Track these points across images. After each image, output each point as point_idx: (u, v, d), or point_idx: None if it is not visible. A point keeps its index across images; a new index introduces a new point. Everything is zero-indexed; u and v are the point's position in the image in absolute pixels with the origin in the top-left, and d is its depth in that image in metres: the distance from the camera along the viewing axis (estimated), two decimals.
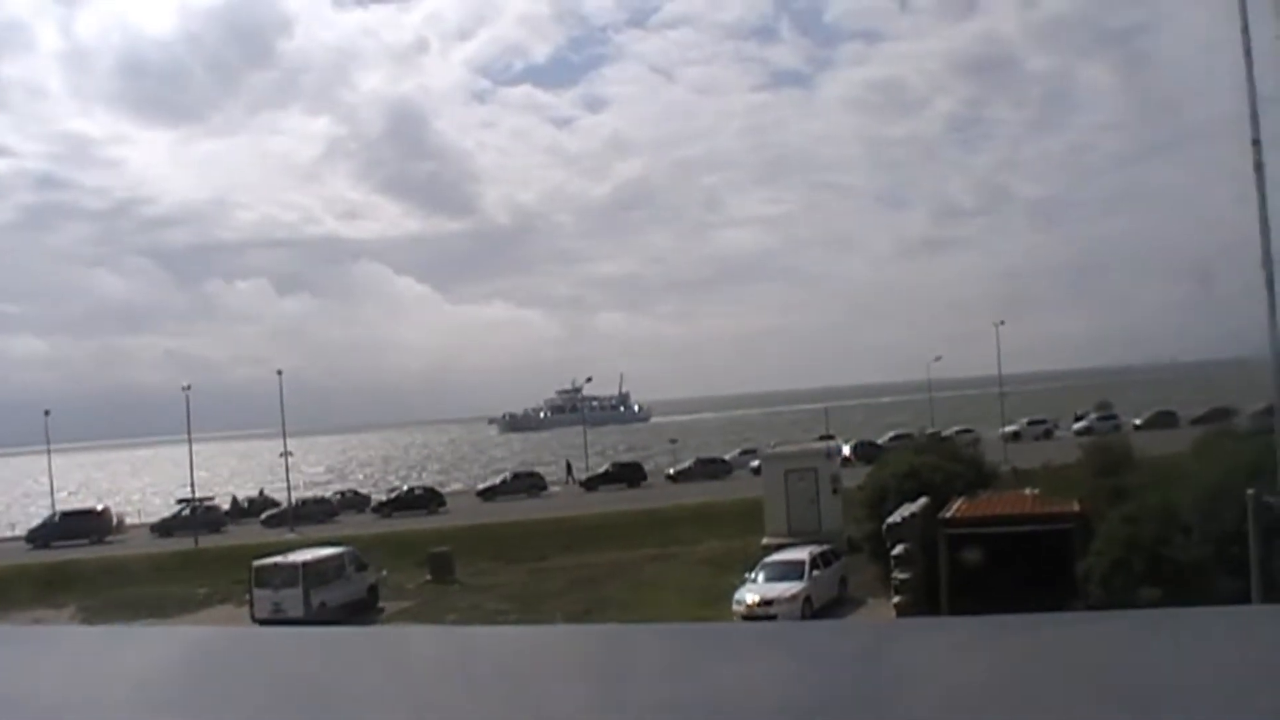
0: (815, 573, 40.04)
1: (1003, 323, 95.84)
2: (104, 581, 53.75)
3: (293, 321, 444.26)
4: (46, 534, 74.72)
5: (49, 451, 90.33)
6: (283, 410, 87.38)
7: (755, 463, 70.99)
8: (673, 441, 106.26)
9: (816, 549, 41.71)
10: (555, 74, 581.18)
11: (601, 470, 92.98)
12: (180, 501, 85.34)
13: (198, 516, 77.45)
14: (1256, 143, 17.00)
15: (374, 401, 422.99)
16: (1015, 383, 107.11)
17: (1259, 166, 17.04)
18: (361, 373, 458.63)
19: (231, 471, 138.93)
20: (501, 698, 2.86)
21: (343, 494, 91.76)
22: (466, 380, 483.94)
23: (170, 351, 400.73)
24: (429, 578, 52.18)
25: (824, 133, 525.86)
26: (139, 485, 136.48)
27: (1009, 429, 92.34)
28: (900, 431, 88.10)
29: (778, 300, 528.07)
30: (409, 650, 3.69)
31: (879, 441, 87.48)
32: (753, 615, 37.19)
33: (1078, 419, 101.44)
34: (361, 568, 48.82)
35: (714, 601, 40.32)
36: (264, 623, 42.46)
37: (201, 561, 59.65)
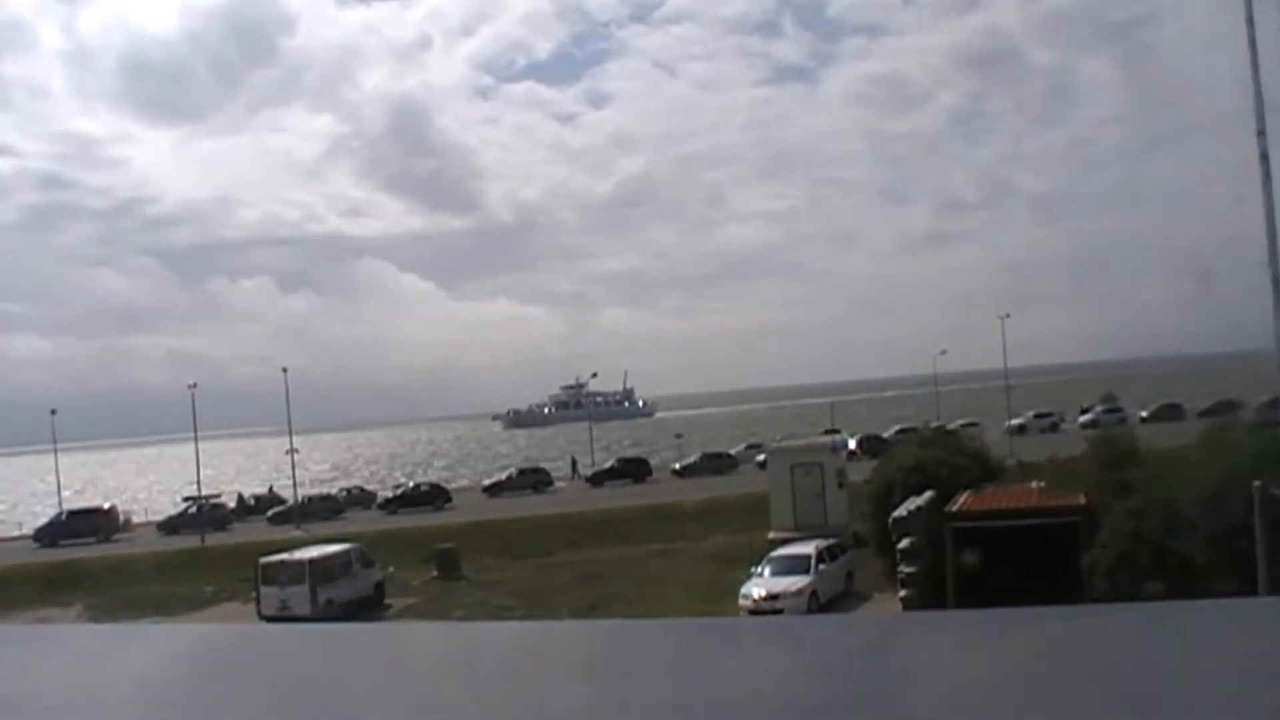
0: (821, 567, 40.07)
1: (1007, 316, 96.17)
2: (110, 580, 53.89)
3: (296, 319, 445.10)
4: (53, 533, 74.95)
5: (55, 451, 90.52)
6: (288, 408, 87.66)
7: (761, 457, 71.01)
8: (678, 436, 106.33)
9: (822, 543, 41.73)
10: (558, 70, 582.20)
11: (607, 466, 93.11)
12: (186, 499, 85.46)
13: (204, 514, 77.66)
14: (1261, 133, 16.97)
15: (378, 399, 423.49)
16: (1020, 376, 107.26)
17: (1264, 157, 17.01)
18: (365, 370, 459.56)
19: (237, 469, 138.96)
20: (507, 694, 2.86)
21: (349, 491, 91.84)
22: (471, 377, 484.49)
23: (174, 351, 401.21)
24: (435, 574, 52.22)
25: (827, 127, 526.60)
26: (145, 484, 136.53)
27: (1014, 422, 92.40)
28: (905, 425, 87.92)
29: (781, 295, 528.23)
30: (415, 647, 3.69)
31: (884, 435, 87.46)
32: (759, 610, 37.19)
33: (1083, 412, 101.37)
34: (368, 564, 48.84)
35: (720, 596, 40.33)
36: (271, 620, 42.54)
37: (208, 559, 59.76)
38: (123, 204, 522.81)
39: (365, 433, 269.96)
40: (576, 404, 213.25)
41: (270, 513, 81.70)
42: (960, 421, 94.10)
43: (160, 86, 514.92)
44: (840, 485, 49.15)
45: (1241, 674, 2.47)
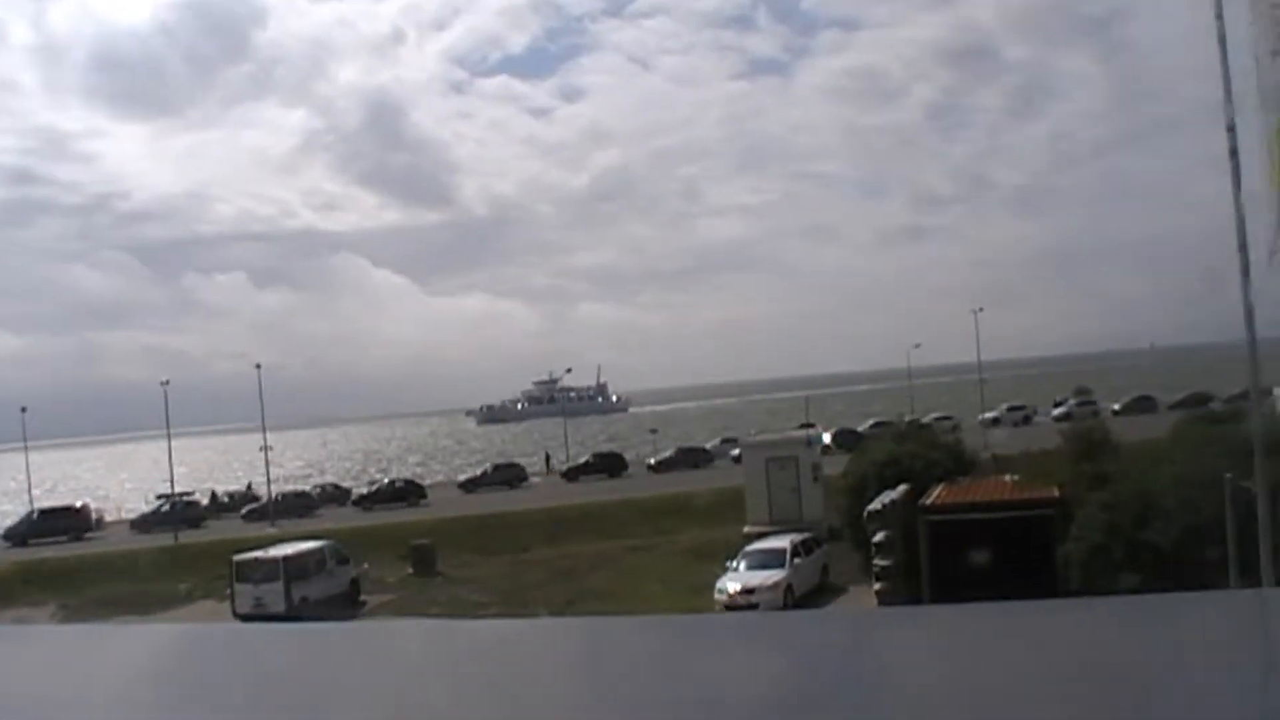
0: (797, 561, 40.12)
1: (981, 310, 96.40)
2: (84, 579, 53.61)
3: (271, 315, 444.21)
4: (24, 532, 74.27)
5: (26, 448, 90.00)
6: (262, 404, 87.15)
7: (736, 452, 70.98)
8: (653, 431, 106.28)
9: (798, 537, 41.79)
10: (532, 64, 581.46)
11: (582, 461, 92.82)
12: (160, 497, 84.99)
13: (177, 512, 77.16)
14: (1231, 129, 17.03)
15: (353, 395, 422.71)
16: (994, 369, 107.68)
17: (1233, 153, 17.08)
18: (341, 366, 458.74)
19: (211, 466, 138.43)
20: (484, 691, 2.86)
21: (323, 487, 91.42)
22: (447, 372, 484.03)
23: (148, 347, 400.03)
24: (411, 571, 52.13)
25: (803, 121, 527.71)
26: (118, 482, 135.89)
27: (988, 415, 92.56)
28: (880, 419, 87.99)
29: (757, 290, 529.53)
30: (391, 644, 3.69)
31: (859, 429, 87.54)
32: (734, 604, 37.20)
33: (1057, 405, 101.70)
34: (343, 561, 48.71)
35: (696, 591, 40.37)
36: (245, 618, 42.45)
37: (182, 557, 59.37)
38: (96, 199, 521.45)
39: (340, 429, 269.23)
40: (550, 399, 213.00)
41: (244, 510, 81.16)
42: (934, 415, 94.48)
43: (132, 80, 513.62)
44: (815, 479, 49.23)
45: (1216, 666, 2.49)
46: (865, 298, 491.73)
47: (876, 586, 37.04)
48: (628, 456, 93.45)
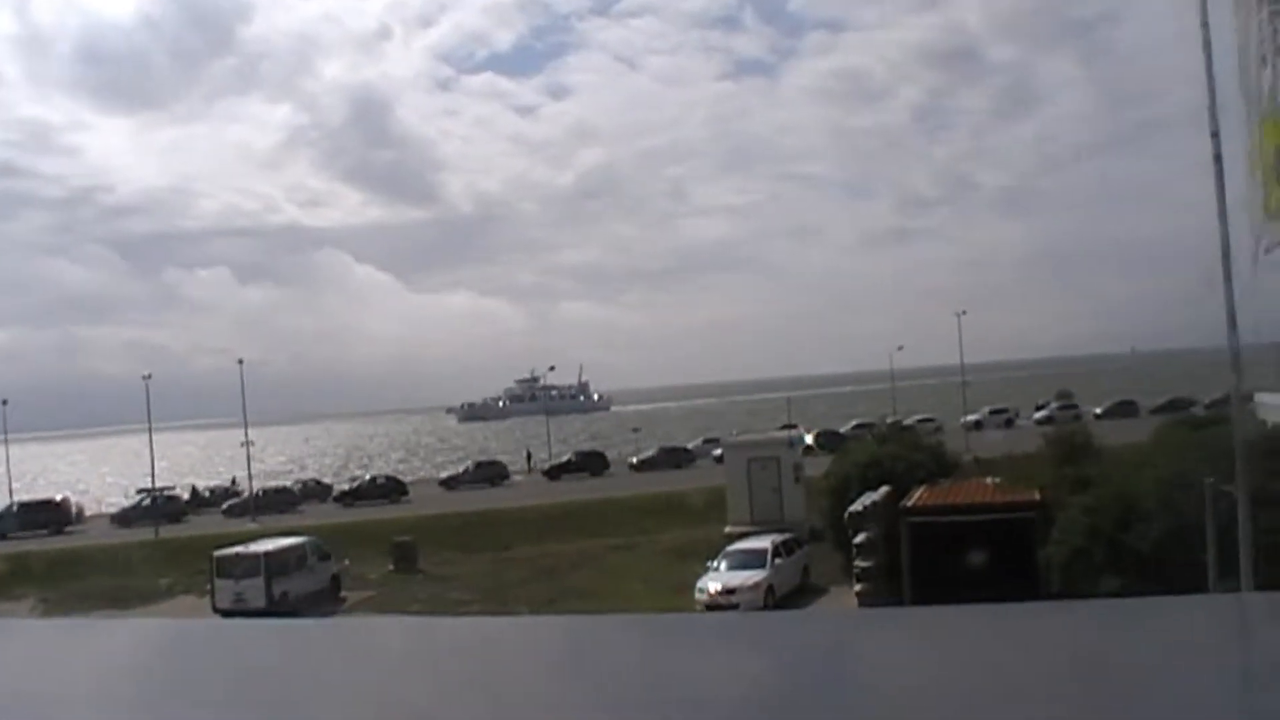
0: (778, 561, 40.14)
1: (964, 313, 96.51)
2: (64, 573, 53.42)
3: (254, 311, 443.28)
4: (4, 525, 73.93)
5: (6, 441, 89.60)
6: (244, 400, 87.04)
7: (718, 452, 71.07)
8: (635, 430, 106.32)
9: (779, 537, 41.81)
10: (518, 62, 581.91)
11: (564, 459, 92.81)
12: (141, 492, 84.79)
13: (158, 507, 76.97)
14: (1215, 134, 17.09)
15: (336, 391, 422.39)
16: (977, 372, 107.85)
17: (1217, 158, 17.13)
18: (323, 362, 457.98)
19: (193, 461, 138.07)
20: (465, 689, 2.86)
21: (305, 484, 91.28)
22: (430, 370, 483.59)
23: (130, 341, 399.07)
24: (392, 568, 52.08)
25: (788, 122, 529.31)
26: (98, 476, 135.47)
27: (971, 418, 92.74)
28: (862, 421, 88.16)
29: (741, 290, 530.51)
30: (372, 641, 3.69)
31: (841, 430, 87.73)
32: (715, 604, 37.22)
33: (1039, 408, 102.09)
34: (324, 558, 48.64)
35: (678, 590, 40.39)
36: (226, 613, 42.37)
37: (163, 552, 59.21)
38: (78, 192, 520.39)
39: (322, 425, 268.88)
40: (531, 397, 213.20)
41: (225, 505, 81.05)
42: (917, 417, 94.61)
43: (117, 73, 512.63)
44: (797, 480, 49.30)
45: (1196, 668, 2.50)
46: (850, 299, 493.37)
47: (857, 588, 37.10)
48: (610, 455, 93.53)
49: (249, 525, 66.78)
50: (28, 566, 56.46)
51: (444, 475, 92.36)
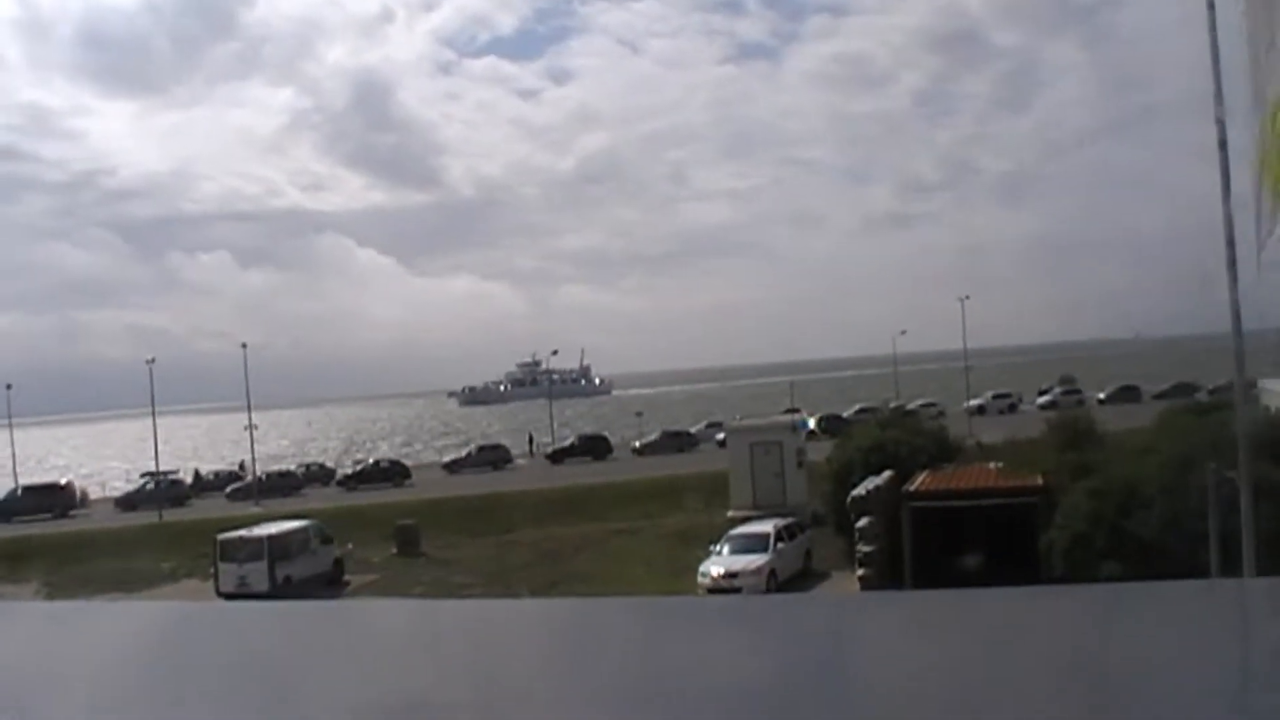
0: (780, 546, 40.17)
1: (967, 298, 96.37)
2: (68, 556, 53.53)
3: (256, 295, 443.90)
4: (8, 508, 74.04)
5: (10, 425, 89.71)
6: (247, 384, 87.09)
7: (721, 436, 71.11)
8: (638, 414, 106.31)
9: (781, 522, 41.84)
10: (521, 46, 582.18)
11: (567, 443, 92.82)
12: (144, 475, 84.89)
13: (162, 490, 77.07)
14: (1220, 120, 17.05)
15: (338, 375, 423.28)
16: (980, 357, 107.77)
17: (1222, 144, 17.10)
18: (326, 346, 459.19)
19: (195, 445, 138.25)
20: (467, 671, 2.86)
21: (308, 467, 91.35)
22: (431, 354, 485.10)
23: (132, 325, 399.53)
24: (395, 551, 52.16)
25: (790, 107, 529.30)
26: (101, 459, 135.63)
27: (973, 403, 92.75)
28: (865, 405, 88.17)
29: (743, 274, 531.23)
30: (375, 623, 3.69)
31: (844, 415, 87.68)
32: (717, 588, 37.26)
33: (1042, 393, 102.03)
34: (327, 541, 48.72)
35: (680, 574, 40.44)
36: (229, 597, 42.40)
37: (166, 535, 59.32)
38: (80, 176, 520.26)
39: (324, 409, 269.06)
40: (532, 381, 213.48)
41: (228, 489, 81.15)
42: (919, 402, 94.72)
43: (118, 58, 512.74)
44: (799, 464, 49.32)
45: (1197, 655, 2.50)
46: (851, 284, 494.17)
47: (859, 572, 37.14)
48: (612, 440, 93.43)
49: (252, 509, 66.86)
50: (32, 550, 56.54)
51: (447, 459, 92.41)
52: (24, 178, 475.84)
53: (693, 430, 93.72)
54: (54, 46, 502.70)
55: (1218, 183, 17.68)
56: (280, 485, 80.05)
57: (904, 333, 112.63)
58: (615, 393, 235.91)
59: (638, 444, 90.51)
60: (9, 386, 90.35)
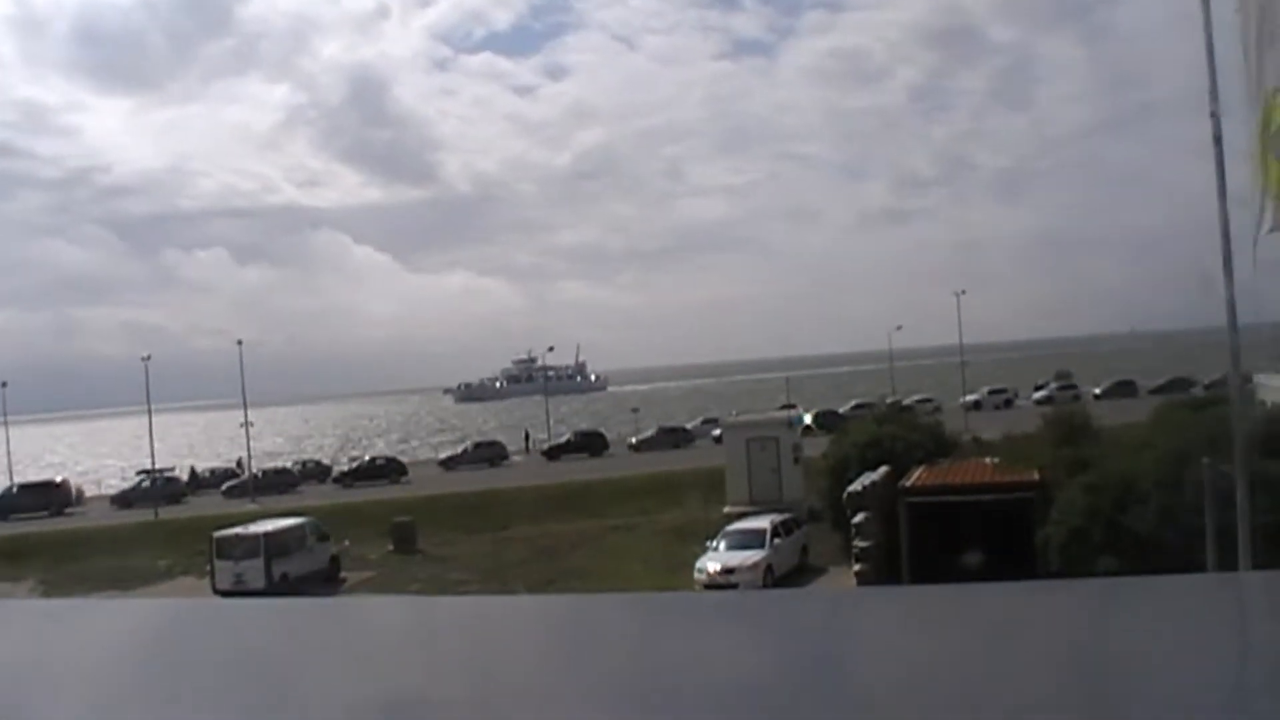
0: (776, 541, 40.18)
1: (963, 293, 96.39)
2: (64, 554, 53.48)
3: (252, 291, 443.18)
4: (4, 506, 73.98)
5: (5, 423, 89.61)
6: (243, 380, 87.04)
7: (717, 432, 71.14)
8: (634, 410, 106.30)
9: (778, 518, 41.84)
10: (516, 41, 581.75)
11: (564, 439, 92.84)
12: (140, 473, 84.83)
13: (158, 488, 77.02)
14: (1214, 115, 17.04)
15: (334, 372, 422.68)
16: (976, 352, 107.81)
17: (1217, 139, 17.10)
18: (322, 343, 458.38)
19: (191, 442, 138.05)
20: (464, 668, 2.86)
21: (304, 464, 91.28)
22: (428, 350, 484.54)
23: (127, 322, 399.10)
24: (391, 548, 52.11)
25: (786, 102, 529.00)
26: (97, 457, 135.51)
27: (969, 398, 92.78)
28: (861, 401, 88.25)
29: (739, 270, 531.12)
30: (371, 621, 3.69)
31: (840, 411, 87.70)
32: (714, 584, 37.28)
33: (1038, 388, 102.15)
34: (323, 538, 48.71)
35: (677, 570, 40.44)
36: (225, 594, 42.39)
37: (162, 533, 59.29)
38: (75, 173, 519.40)
39: (319, 406, 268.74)
40: (528, 378, 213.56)
41: (225, 486, 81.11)
42: (915, 397, 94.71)
43: (113, 54, 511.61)
44: (796, 460, 49.34)
45: (1194, 648, 2.50)
46: (847, 279, 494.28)
47: (856, 568, 37.14)
48: (609, 436, 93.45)
49: (248, 506, 66.80)
50: (28, 548, 56.49)
51: (443, 456, 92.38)
52: (19, 174, 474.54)
53: (689, 426, 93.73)
54: (49, 43, 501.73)
55: (1213, 177, 17.67)
56: (276, 482, 79.99)
57: (900, 328, 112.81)
58: (611, 389, 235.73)
59: (634, 440, 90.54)
60: (4, 384, 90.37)
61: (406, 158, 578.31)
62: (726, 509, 46.80)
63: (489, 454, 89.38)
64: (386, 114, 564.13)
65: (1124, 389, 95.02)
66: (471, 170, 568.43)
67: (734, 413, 69.44)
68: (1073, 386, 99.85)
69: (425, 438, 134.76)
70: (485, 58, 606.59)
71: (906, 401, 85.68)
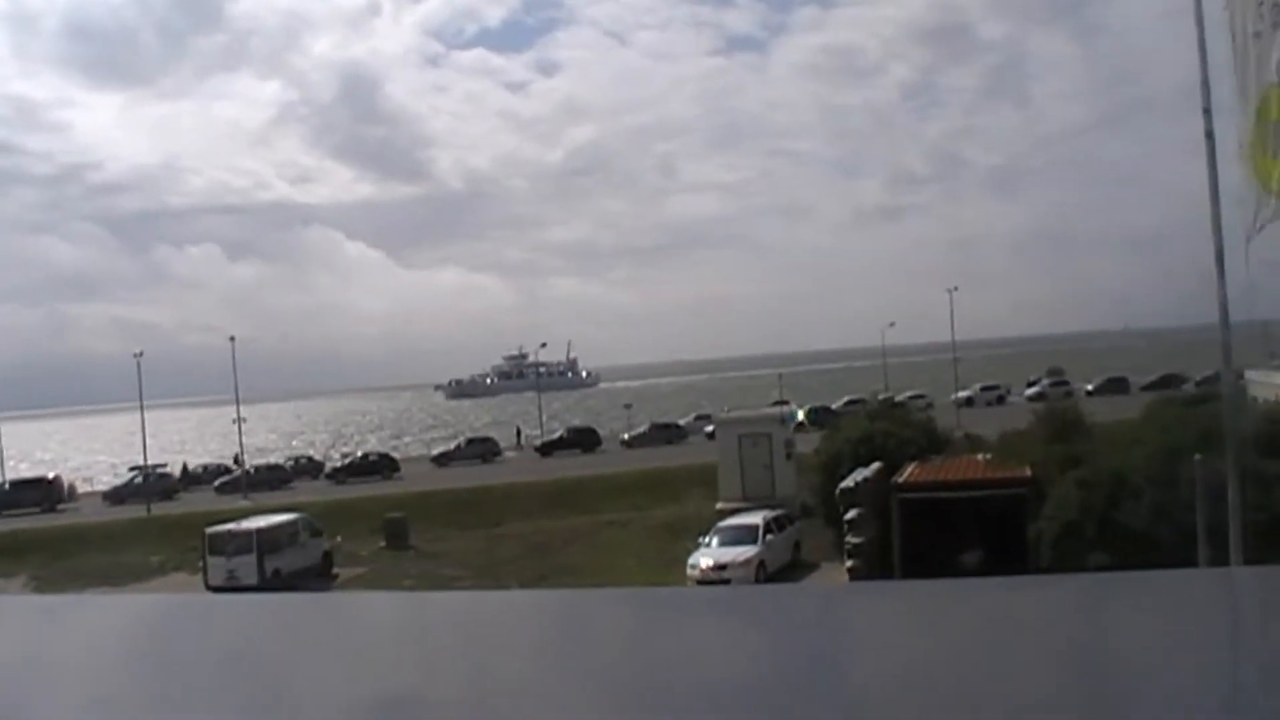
0: (769, 537, 40.19)
1: (955, 289, 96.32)
2: (56, 550, 53.46)
3: (244, 288, 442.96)
4: None
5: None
6: (235, 377, 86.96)
7: (710, 428, 71.17)
8: (627, 407, 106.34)
9: (770, 514, 41.86)
10: (508, 38, 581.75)
11: (557, 435, 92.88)
12: (133, 469, 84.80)
13: (150, 484, 76.93)
14: (1207, 111, 17.07)
15: (326, 368, 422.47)
16: (968, 349, 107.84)
17: (1209, 135, 17.13)
18: (314, 340, 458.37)
19: (183, 439, 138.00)
20: (457, 663, 2.86)
21: (297, 460, 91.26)
22: (419, 346, 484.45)
23: (119, 319, 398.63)
24: (384, 544, 52.09)
25: (779, 99, 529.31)
26: (89, 453, 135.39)
27: (962, 395, 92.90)
28: (854, 397, 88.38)
29: (731, 267, 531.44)
30: (363, 617, 3.69)
31: (833, 407, 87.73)
32: (706, 580, 37.29)
33: (1030, 385, 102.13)
34: (316, 534, 48.73)
35: (669, 566, 40.47)
36: (218, 590, 42.34)
37: (155, 529, 59.28)
38: (66, 169, 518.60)
39: (311, 402, 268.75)
40: (519, 374, 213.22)
41: (217, 482, 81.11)
42: (908, 394, 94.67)
43: (104, 50, 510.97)
44: (788, 456, 49.34)
45: (1186, 644, 2.51)
46: (840, 276, 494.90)
47: (848, 564, 37.12)
48: (601, 432, 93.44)
49: (241, 502, 66.73)
50: (20, 544, 56.43)
51: (436, 452, 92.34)
52: (10, 171, 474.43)
53: (681, 422, 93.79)
54: (40, 38, 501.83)
55: (1205, 173, 17.69)
56: (269, 478, 79.96)
57: (893, 325, 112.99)
58: (603, 385, 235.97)
59: (626, 436, 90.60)
60: None
61: (398, 154, 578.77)
62: (719, 505, 46.79)
63: (482, 450, 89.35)
64: (378, 110, 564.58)
65: (1116, 385, 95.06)
66: (463, 166, 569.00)
67: (726, 409, 69.40)
68: (1065, 383, 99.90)
69: (417, 434, 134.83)
70: (477, 54, 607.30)
71: (899, 398, 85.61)
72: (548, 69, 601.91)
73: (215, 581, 43.73)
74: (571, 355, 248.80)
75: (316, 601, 6.62)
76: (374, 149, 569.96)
